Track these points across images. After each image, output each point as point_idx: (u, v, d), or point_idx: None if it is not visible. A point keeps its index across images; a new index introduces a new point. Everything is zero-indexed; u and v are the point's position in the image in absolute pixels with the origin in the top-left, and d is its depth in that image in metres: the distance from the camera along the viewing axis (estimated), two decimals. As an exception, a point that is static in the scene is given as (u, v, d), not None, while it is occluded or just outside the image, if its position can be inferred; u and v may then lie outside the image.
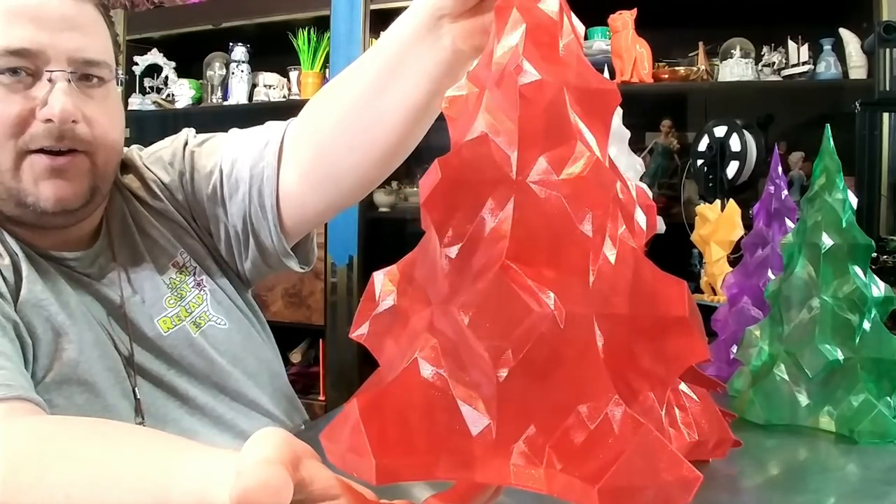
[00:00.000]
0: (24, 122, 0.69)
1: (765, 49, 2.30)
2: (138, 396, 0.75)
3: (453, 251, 0.35)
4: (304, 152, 0.78)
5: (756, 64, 2.29)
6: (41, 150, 0.69)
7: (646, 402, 0.35)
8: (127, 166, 0.85)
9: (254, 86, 2.84)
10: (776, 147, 1.11)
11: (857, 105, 1.83)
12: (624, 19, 2.25)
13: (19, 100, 0.69)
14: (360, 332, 0.40)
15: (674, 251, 1.96)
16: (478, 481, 0.35)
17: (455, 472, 0.34)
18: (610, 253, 0.35)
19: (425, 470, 0.33)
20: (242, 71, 2.82)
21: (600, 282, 0.35)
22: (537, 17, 0.39)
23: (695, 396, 0.41)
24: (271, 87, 2.80)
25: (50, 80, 0.69)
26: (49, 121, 0.69)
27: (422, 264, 0.39)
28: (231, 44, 2.82)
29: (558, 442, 0.33)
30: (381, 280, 0.40)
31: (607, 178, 0.37)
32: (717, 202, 1.57)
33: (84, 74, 0.72)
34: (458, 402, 0.34)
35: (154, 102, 2.93)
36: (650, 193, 1.45)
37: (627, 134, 1.42)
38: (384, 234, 2.67)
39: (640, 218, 0.40)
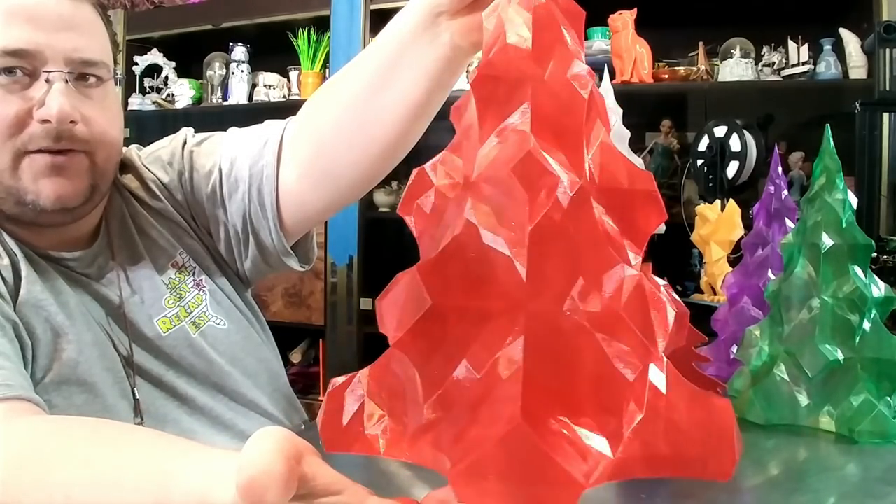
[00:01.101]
0: (22, 123, 0.69)
1: (765, 49, 2.30)
2: (137, 397, 0.75)
3: (435, 406, 0.34)
4: (303, 150, 0.78)
5: (756, 64, 2.29)
6: (39, 150, 0.69)
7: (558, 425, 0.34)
8: (126, 166, 0.85)
9: (254, 86, 2.84)
10: (776, 147, 1.11)
11: (857, 105, 1.83)
12: (624, 19, 2.25)
13: (16, 100, 0.69)
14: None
15: (674, 251, 1.97)
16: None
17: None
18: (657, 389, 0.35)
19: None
20: (242, 71, 2.82)
21: (635, 431, 0.34)
22: (556, 100, 0.39)
23: (662, 388, 0.38)
24: (271, 87, 2.80)
25: (47, 81, 0.69)
26: (46, 121, 0.69)
27: (394, 385, 0.38)
28: (231, 44, 2.82)
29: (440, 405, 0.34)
30: (344, 394, 0.39)
31: (652, 302, 0.35)
32: (717, 202, 1.57)
33: (81, 74, 0.72)
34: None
35: (154, 102, 2.93)
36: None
37: (627, 134, 1.42)
38: (384, 234, 2.67)
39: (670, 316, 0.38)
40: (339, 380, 0.40)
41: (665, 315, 0.36)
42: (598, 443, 0.34)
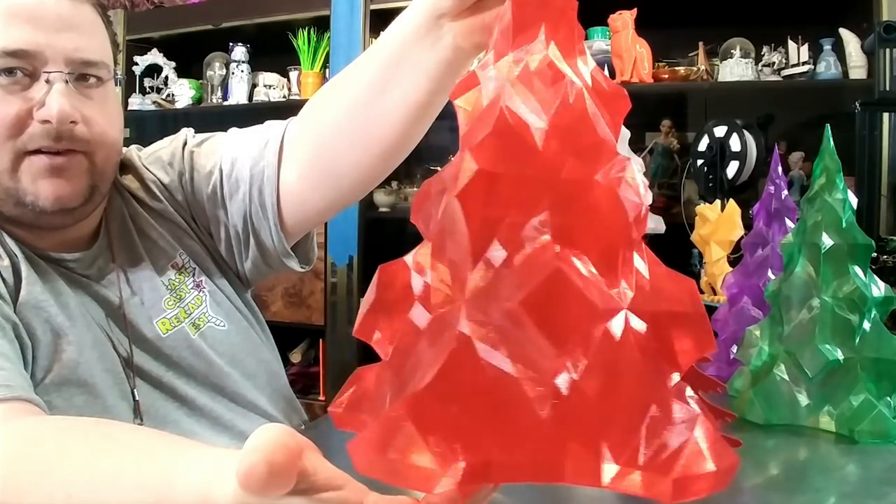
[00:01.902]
0: (22, 124, 0.69)
1: (765, 49, 2.30)
2: (137, 398, 0.75)
3: (496, 252, 0.35)
4: (304, 151, 0.78)
5: (756, 64, 2.29)
6: (39, 151, 0.69)
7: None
8: (126, 167, 0.85)
9: (254, 86, 2.84)
10: (776, 147, 1.11)
11: (857, 105, 1.83)
12: (624, 19, 2.25)
13: (16, 101, 0.69)
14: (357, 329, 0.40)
15: (674, 251, 1.96)
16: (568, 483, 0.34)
17: (514, 474, 0.32)
18: (641, 265, 0.36)
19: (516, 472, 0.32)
20: (242, 71, 2.82)
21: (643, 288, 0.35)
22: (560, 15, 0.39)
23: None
24: (271, 87, 2.80)
25: (47, 81, 0.69)
26: (47, 122, 0.69)
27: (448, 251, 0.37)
28: (231, 44, 2.82)
29: (618, 436, 0.32)
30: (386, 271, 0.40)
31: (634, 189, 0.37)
32: (717, 202, 1.57)
33: (82, 75, 0.72)
34: (522, 395, 0.32)
35: (154, 102, 2.93)
36: (649, 194, 1.45)
37: (627, 134, 1.42)
38: (384, 234, 2.67)
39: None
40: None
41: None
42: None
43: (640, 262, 0.36)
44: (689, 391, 0.35)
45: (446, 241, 0.36)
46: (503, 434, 0.32)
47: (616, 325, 0.33)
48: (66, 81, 0.70)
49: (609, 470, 0.32)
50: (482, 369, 0.32)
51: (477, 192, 0.35)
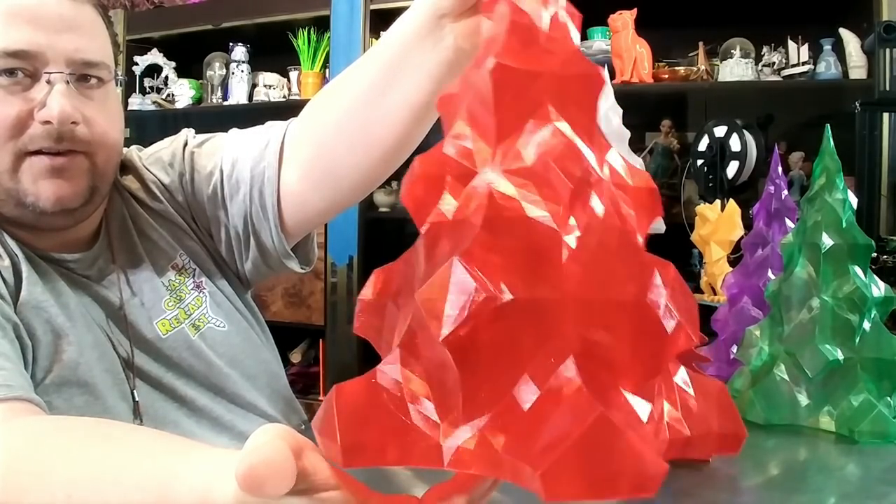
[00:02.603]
0: (23, 124, 0.69)
1: (765, 49, 2.30)
2: (137, 399, 0.75)
3: (425, 241, 0.37)
4: (304, 152, 0.78)
5: (756, 64, 2.29)
6: (39, 152, 0.69)
7: (618, 399, 0.34)
8: (126, 167, 0.85)
9: (254, 86, 2.84)
10: (776, 147, 1.11)
11: (857, 105, 1.83)
12: (624, 19, 2.25)
13: (17, 101, 0.69)
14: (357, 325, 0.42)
15: (674, 251, 1.96)
16: (461, 473, 0.36)
17: (402, 460, 0.34)
18: (570, 239, 0.35)
19: (380, 456, 0.34)
20: (242, 71, 2.83)
21: (571, 265, 0.34)
22: (518, 12, 0.40)
23: (689, 389, 0.40)
24: (271, 87, 2.80)
25: (48, 82, 0.69)
26: (48, 122, 0.69)
27: (413, 260, 0.40)
28: (231, 44, 2.82)
29: (503, 422, 0.33)
30: (380, 276, 0.41)
31: (577, 162, 0.37)
32: (717, 202, 1.57)
33: (83, 75, 0.72)
34: (410, 407, 0.35)
35: (154, 102, 2.93)
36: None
37: (627, 134, 1.42)
38: (384, 234, 2.67)
39: (636, 202, 0.40)
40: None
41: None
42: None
43: None
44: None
45: None
46: None
47: None
48: (67, 82, 0.70)
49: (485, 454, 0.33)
50: None
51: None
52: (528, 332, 0.34)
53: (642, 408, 0.35)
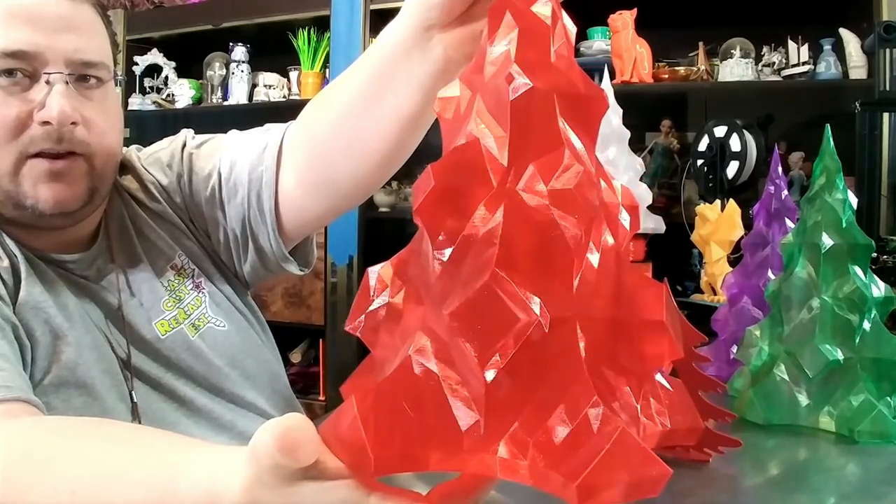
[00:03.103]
0: (22, 125, 0.69)
1: (765, 49, 2.30)
2: (135, 399, 0.75)
3: (444, 255, 0.37)
4: (301, 157, 0.78)
5: (756, 64, 2.29)
6: (39, 154, 0.69)
7: (623, 398, 0.38)
8: (125, 167, 0.84)
9: (254, 86, 2.84)
10: (776, 147, 1.11)
11: (857, 105, 1.83)
12: (624, 19, 2.25)
13: (17, 102, 0.68)
14: (355, 325, 0.42)
15: (674, 251, 1.96)
16: (466, 473, 0.37)
17: (445, 465, 0.36)
18: (593, 258, 0.37)
19: (418, 462, 0.35)
20: (242, 71, 2.83)
21: (584, 287, 0.37)
22: (530, 21, 0.40)
23: (668, 386, 0.45)
24: (271, 87, 2.80)
25: (48, 83, 0.69)
26: (47, 123, 0.68)
27: (415, 263, 0.40)
28: (231, 44, 2.82)
29: (542, 438, 0.35)
30: (375, 276, 0.42)
31: (593, 188, 0.38)
32: (717, 202, 1.57)
33: (82, 76, 0.72)
34: (450, 399, 0.36)
35: (154, 102, 2.93)
36: (649, 194, 1.46)
37: (627, 134, 1.42)
38: (384, 234, 2.67)
39: (624, 219, 0.42)
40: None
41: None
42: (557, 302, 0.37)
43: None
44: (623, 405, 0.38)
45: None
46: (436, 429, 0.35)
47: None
48: (67, 83, 0.70)
49: (521, 466, 0.35)
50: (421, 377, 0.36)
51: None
52: (553, 349, 0.36)
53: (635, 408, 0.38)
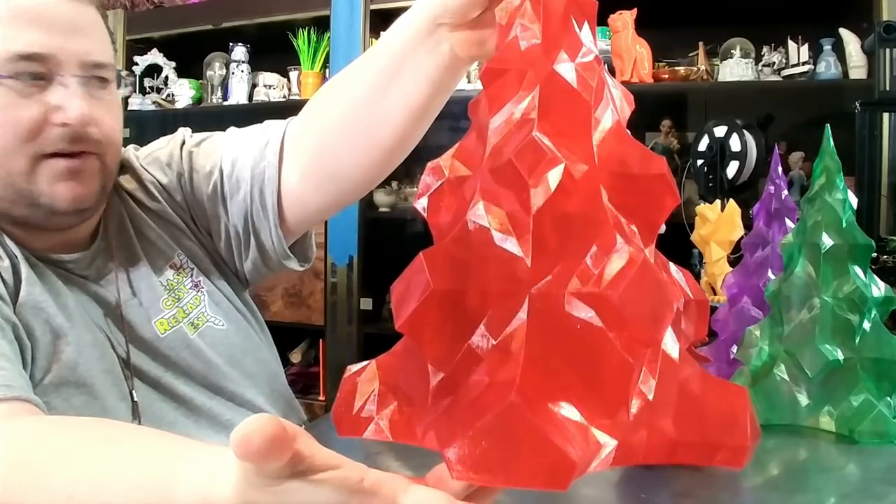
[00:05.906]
0: (39, 127, 0.69)
1: (765, 49, 2.30)
2: (135, 399, 0.75)
3: (441, 375, 0.34)
4: (305, 152, 0.78)
5: (756, 64, 2.29)
6: (55, 154, 0.70)
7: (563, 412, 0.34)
8: (124, 167, 0.85)
9: (254, 86, 2.84)
10: (776, 147, 1.11)
11: (857, 105, 1.83)
12: (624, 19, 2.25)
13: (33, 105, 0.69)
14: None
15: (674, 251, 1.96)
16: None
17: None
18: (650, 384, 0.34)
19: None
20: (242, 71, 2.82)
21: (641, 413, 0.33)
22: (562, 88, 0.38)
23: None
24: (271, 87, 2.80)
25: (63, 85, 0.70)
26: (65, 125, 0.69)
27: (406, 373, 0.38)
28: (231, 44, 2.82)
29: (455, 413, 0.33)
30: (357, 381, 0.39)
31: (658, 287, 0.35)
32: (717, 202, 1.57)
33: (92, 77, 0.72)
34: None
35: (154, 102, 2.93)
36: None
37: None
38: (384, 234, 2.67)
39: (692, 316, 0.38)
40: (354, 367, 0.40)
41: (672, 297, 0.36)
42: (602, 426, 0.33)
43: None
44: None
45: None
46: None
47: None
48: (81, 84, 0.71)
49: None
50: None
51: None
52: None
53: (596, 423, 0.34)
